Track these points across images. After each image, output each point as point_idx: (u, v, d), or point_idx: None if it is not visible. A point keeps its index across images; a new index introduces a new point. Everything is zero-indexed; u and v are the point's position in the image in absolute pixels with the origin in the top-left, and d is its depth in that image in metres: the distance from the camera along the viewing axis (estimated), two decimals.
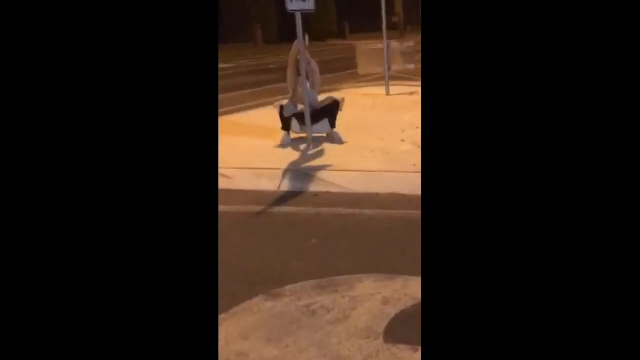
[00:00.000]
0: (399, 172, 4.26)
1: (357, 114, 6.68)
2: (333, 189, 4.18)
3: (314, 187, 4.24)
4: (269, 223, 3.59)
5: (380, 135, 5.52)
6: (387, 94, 8.28)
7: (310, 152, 5.00)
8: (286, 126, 5.38)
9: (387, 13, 8.70)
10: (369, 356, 2.09)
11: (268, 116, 6.26)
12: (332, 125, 5.43)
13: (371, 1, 16.81)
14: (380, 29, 8.46)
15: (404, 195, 3.88)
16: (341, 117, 6.52)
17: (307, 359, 2.10)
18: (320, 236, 3.30)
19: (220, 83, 11.73)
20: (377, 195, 4.02)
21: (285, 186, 4.30)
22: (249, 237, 3.36)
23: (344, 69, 12.35)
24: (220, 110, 7.83)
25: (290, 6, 4.82)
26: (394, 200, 3.89)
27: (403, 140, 5.18)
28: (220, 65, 15.89)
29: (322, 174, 4.35)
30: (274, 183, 4.34)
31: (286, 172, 4.44)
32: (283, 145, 5.28)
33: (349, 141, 5.29)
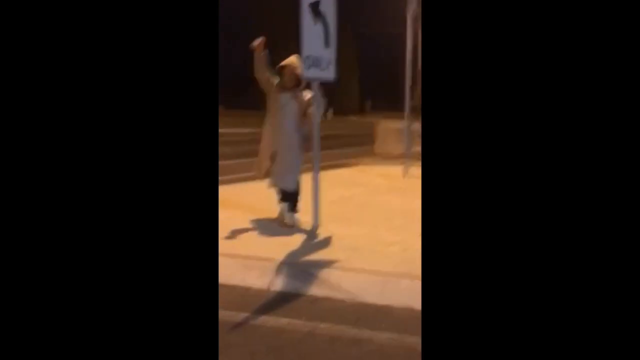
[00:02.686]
0: (418, 279, 3.23)
1: (370, 197, 5.73)
2: (336, 295, 3.15)
3: (313, 289, 3.22)
4: (245, 344, 2.55)
5: (396, 225, 4.54)
6: (405, 175, 7.36)
7: (314, 240, 3.99)
8: (290, 205, 4.39)
9: (411, 97, 8.04)
10: None
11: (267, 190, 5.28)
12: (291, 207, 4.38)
13: (394, 83, 16.45)
14: (400, 109, 7.71)
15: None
16: (351, 200, 5.58)
17: None
18: None
19: (228, 150, 10.87)
20: (391, 310, 2.98)
21: (278, 285, 3.29)
22: None
23: (360, 144, 11.62)
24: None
25: (307, 74, 3.99)
26: (412, 318, 2.84)
27: None
28: (235, 130, 15.20)
29: (325, 273, 3.34)
30: (264, 279, 3.33)
31: (281, 265, 3.44)
32: (287, 225, 4.30)
33: (360, 230, 4.29)
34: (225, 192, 5.84)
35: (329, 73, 4.08)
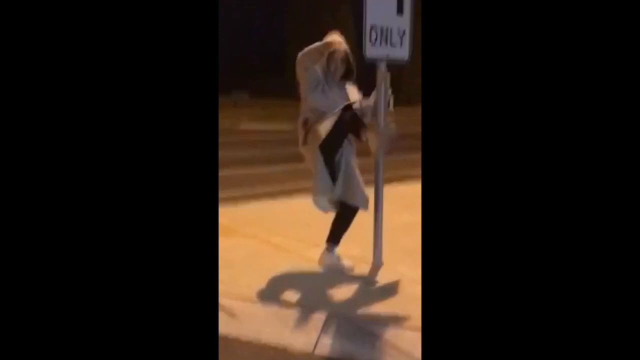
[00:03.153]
0: None
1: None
2: None
3: (375, 357, 2.67)
4: None
5: None
6: None
7: (374, 287, 3.40)
8: (335, 236, 3.71)
9: None
10: None
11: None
12: (332, 240, 3.68)
13: None
14: None
15: None
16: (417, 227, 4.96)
17: None
18: None
19: (257, 152, 10.16)
20: None
21: (326, 348, 2.75)
22: None
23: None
24: (242, 194, 6.27)
25: (371, 52, 3.44)
26: None
27: None
28: (262, 127, 14.23)
29: (391, 335, 2.83)
30: (307, 338, 2.79)
31: (330, 319, 2.89)
32: (326, 268, 3.68)
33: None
34: (250, 213, 5.30)
35: (402, 50, 3.54)
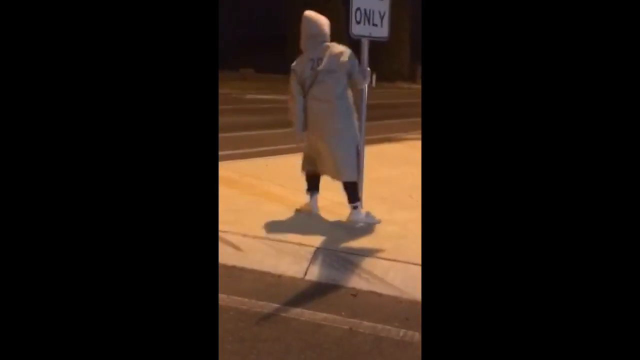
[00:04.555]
0: None
1: (419, 178, 5.63)
2: (381, 289, 3.12)
3: (354, 281, 3.20)
4: (278, 338, 2.55)
5: None
6: None
7: (358, 226, 3.94)
8: (312, 185, 4.22)
9: None
10: None
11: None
12: (352, 199, 3.99)
13: None
14: None
15: None
16: (399, 179, 5.50)
17: None
18: None
19: (259, 118, 11.10)
20: None
21: (315, 274, 3.27)
22: None
23: (410, 116, 11.42)
24: (243, 151, 6.95)
25: (356, 30, 3.89)
26: None
27: None
28: (264, 97, 15.95)
29: (368, 263, 3.31)
30: (299, 266, 3.32)
31: (318, 252, 3.42)
32: (307, 213, 4.18)
33: (410, 215, 4.21)
34: (254, 167, 5.88)
35: (383, 30, 3.97)
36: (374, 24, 3.92)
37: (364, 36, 3.94)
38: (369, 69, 3.96)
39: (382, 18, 3.95)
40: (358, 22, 3.85)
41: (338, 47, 3.82)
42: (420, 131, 9.02)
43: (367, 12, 3.87)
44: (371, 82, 4.01)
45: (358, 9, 3.83)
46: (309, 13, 3.93)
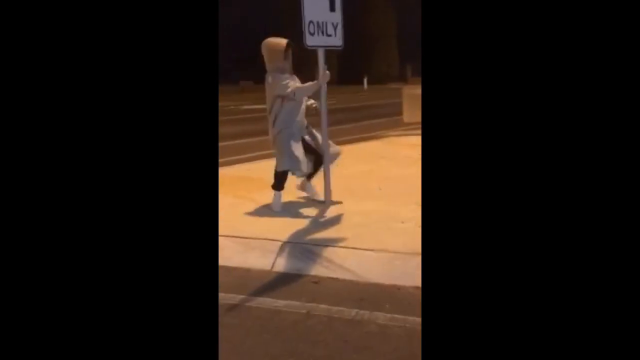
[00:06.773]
0: None
1: (392, 171, 5.77)
2: (340, 274, 3.26)
3: (315, 270, 3.34)
4: (240, 325, 2.70)
5: (416, 200, 4.57)
6: None
7: (322, 219, 4.09)
8: (278, 183, 4.44)
9: None
10: None
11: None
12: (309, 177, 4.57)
13: None
14: None
15: None
16: (371, 173, 5.64)
17: None
18: (304, 357, 2.38)
19: (249, 127, 11.37)
20: (398, 289, 3.07)
21: (280, 265, 3.42)
22: None
23: (393, 115, 11.55)
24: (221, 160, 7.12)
25: (310, 41, 4.04)
26: (419, 298, 2.92)
27: None
28: (259, 106, 16.64)
29: (329, 252, 3.45)
30: (266, 260, 3.47)
31: (285, 245, 3.57)
32: (275, 209, 4.40)
33: (373, 206, 4.35)
34: (240, 170, 6.05)
35: (336, 39, 4.11)
36: (327, 35, 4.07)
37: (319, 46, 4.09)
38: (328, 72, 4.15)
39: (335, 28, 4.09)
40: (312, 34, 4.00)
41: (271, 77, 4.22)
42: (401, 128, 9.17)
43: (320, 24, 4.02)
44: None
45: (311, 21, 3.98)
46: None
